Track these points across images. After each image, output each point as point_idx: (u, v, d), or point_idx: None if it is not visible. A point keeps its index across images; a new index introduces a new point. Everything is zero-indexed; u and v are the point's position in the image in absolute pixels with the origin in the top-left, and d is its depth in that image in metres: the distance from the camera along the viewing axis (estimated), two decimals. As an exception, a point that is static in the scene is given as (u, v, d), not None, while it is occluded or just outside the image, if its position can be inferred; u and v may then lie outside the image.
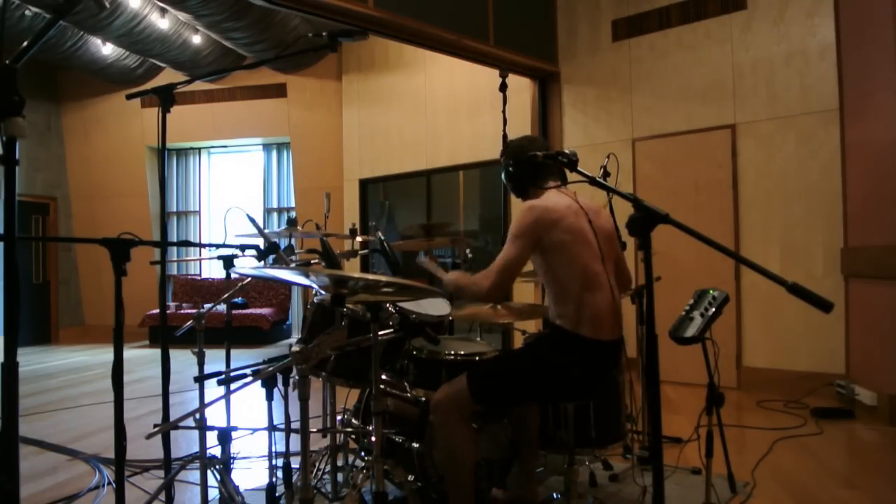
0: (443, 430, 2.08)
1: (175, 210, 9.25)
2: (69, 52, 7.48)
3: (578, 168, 1.63)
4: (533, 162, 2.17)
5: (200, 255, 7.47)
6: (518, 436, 2.41)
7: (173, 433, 2.95)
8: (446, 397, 2.08)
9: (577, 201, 2.18)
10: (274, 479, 2.40)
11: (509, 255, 2.05)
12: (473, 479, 2.11)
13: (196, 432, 2.50)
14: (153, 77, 8.54)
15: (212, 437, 2.39)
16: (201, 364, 2.39)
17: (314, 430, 2.46)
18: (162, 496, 2.31)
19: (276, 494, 2.37)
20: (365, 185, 7.98)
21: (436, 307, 2.54)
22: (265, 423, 2.37)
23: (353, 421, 2.56)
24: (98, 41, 7.49)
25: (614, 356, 2.17)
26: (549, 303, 2.15)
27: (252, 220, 2.32)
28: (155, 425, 1.63)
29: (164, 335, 2.24)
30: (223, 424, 2.44)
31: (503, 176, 2.34)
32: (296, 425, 1.82)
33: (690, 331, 2.28)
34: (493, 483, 2.39)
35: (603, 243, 2.13)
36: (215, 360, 2.45)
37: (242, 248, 2.40)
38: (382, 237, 2.45)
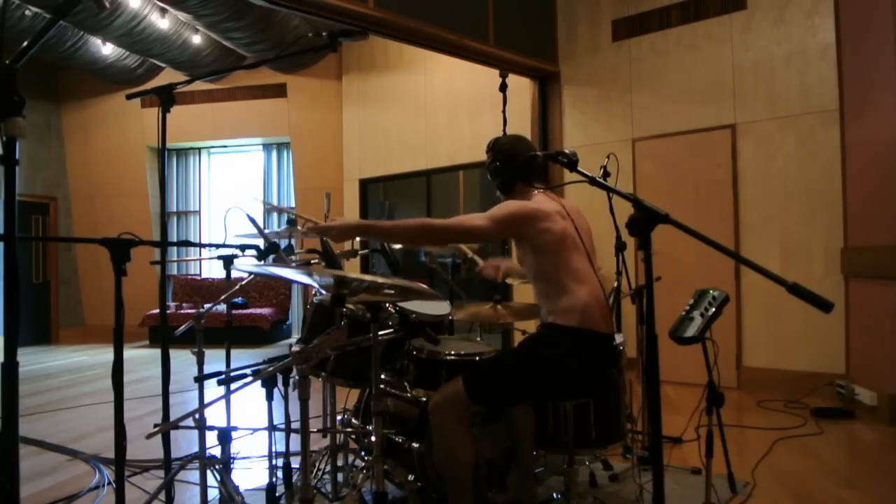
0: (441, 432, 2.08)
1: (175, 210, 9.25)
2: (69, 52, 7.47)
3: (578, 168, 1.63)
4: (529, 161, 2.21)
5: (200, 255, 7.48)
6: (514, 437, 2.42)
7: (173, 433, 2.95)
8: (444, 398, 2.08)
9: (563, 205, 2.24)
10: (274, 479, 2.40)
11: (479, 225, 2.07)
12: (473, 480, 2.11)
13: (196, 432, 2.50)
14: (153, 77, 8.53)
15: (212, 437, 2.39)
16: (201, 364, 2.39)
17: (314, 430, 2.47)
18: (162, 496, 2.31)
19: (276, 494, 2.37)
20: (365, 185, 7.98)
21: (436, 307, 2.54)
22: (265, 423, 2.37)
23: (353, 421, 2.56)
24: (98, 41, 7.49)
25: (610, 351, 2.19)
26: (541, 303, 2.20)
27: (252, 220, 2.32)
28: (155, 425, 1.63)
29: (164, 335, 2.24)
30: (223, 424, 2.44)
31: (490, 171, 2.33)
32: (296, 425, 1.82)
33: (690, 331, 2.28)
34: (493, 484, 2.39)
35: (587, 242, 2.21)
36: (215, 360, 2.45)
37: (242, 247, 2.40)
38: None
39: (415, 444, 2.28)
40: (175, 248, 6.66)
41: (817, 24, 4.64)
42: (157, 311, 7.59)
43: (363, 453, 2.55)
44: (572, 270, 2.12)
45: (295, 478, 2.39)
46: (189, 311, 8.08)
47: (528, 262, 2.20)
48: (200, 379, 2.21)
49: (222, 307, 2.57)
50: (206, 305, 2.56)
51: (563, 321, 2.09)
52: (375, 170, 7.82)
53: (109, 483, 2.92)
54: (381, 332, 1.88)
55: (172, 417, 1.99)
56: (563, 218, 2.17)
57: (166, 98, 2.19)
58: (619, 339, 2.56)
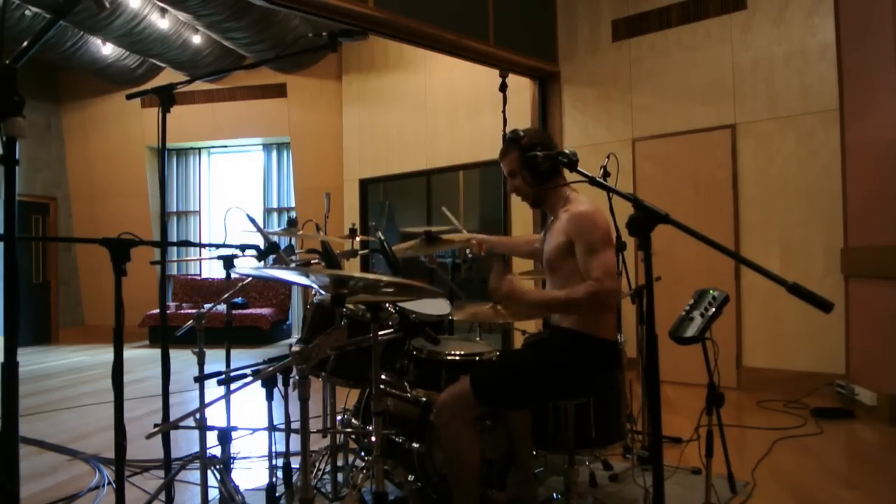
0: (448, 432, 2.08)
1: (175, 210, 9.25)
2: (69, 52, 7.47)
3: (578, 168, 1.63)
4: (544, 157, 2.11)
5: (200, 255, 7.48)
6: (512, 438, 2.42)
7: (173, 433, 2.95)
8: (451, 399, 2.07)
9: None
10: (274, 479, 2.40)
11: (610, 260, 2.02)
12: (478, 480, 2.11)
13: (196, 432, 2.50)
14: (153, 77, 8.54)
15: (212, 437, 2.39)
16: (201, 364, 2.39)
17: (314, 430, 2.47)
18: (162, 496, 2.31)
19: (276, 494, 2.37)
20: (365, 185, 7.98)
21: (436, 307, 2.53)
22: (265, 423, 2.37)
23: (353, 421, 2.56)
24: (98, 41, 7.49)
25: (616, 356, 2.22)
26: None
27: (252, 220, 2.32)
28: (155, 425, 1.63)
29: (164, 335, 2.24)
30: (223, 424, 2.44)
31: (524, 160, 2.17)
32: (296, 425, 1.82)
33: (690, 331, 2.28)
34: (493, 484, 2.39)
35: None
36: (215, 360, 2.45)
37: (242, 247, 2.40)
38: (382, 237, 2.45)
39: (415, 444, 2.28)
40: (175, 248, 6.66)
41: (817, 24, 4.64)
42: (157, 311, 7.59)
43: (363, 453, 2.55)
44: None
45: (295, 478, 2.39)
46: (189, 311, 8.08)
47: (567, 263, 2.12)
48: (201, 379, 2.21)
49: (222, 307, 2.57)
50: (207, 305, 2.56)
51: (577, 327, 2.10)
52: (375, 170, 7.82)
53: (109, 483, 2.92)
54: (381, 332, 1.88)
55: (172, 417, 1.99)
56: None
57: (166, 98, 2.18)
58: (619, 339, 2.57)
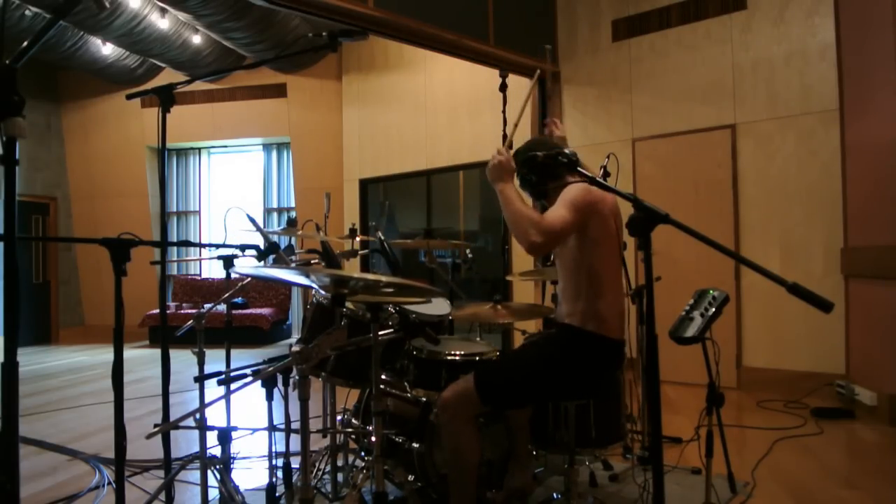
0: (449, 430, 2.07)
1: (175, 210, 9.25)
2: (69, 52, 7.47)
3: (578, 168, 1.64)
4: (546, 160, 2.13)
5: (200, 255, 7.48)
6: (511, 428, 2.42)
7: (173, 433, 2.95)
8: (453, 397, 2.07)
9: (614, 200, 2.16)
10: (274, 479, 2.40)
11: (566, 220, 1.93)
12: (476, 479, 2.11)
13: (196, 432, 2.50)
14: (153, 77, 8.54)
15: (212, 437, 2.39)
16: (201, 364, 2.39)
17: (314, 430, 2.47)
18: (162, 496, 2.31)
19: (276, 494, 2.37)
20: (365, 185, 7.98)
21: (436, 307, 2.53)
22: (265, 423, 2.37)
23: (353, 421, 2.56)
24: (98, 41, 7.49)
25: (621, 357, 2.21)
26: (567, 298, 2.13)
27: (252, 220, 2.32)
28: (155, 425, 1.63)
29: (164, 335, 2.23)
30: (223, 424, 2.44)
31: (519, 184, 2.24)
32: (296, 425, 1.82)
33: (690, 331, 2.28)
34: (492, 484, 2.39)
35: (620, 242, 2.16)
36: (215, 360, 2.45)
37: (242, 247, 2.40)
38: (382, 237, 2.45)
39: (415, 444, 2.28)
40: (175, 248, 6.66)
41: (817, 24, 4.64)
42: (157, 311, 7.59)
43: (363, 453, 2.55)
44: (613, 271, 2.11)
45: (295, 478, 2.39)
46: (189, 311, 8.08)
47: (569, 253, 2.10)
48: (201, 379, 2.21)
49: (222, 307, 2.57)
50: (207, 305, 2.56)
51: (583, 325, 2.07)
52: (375, 170, 7.82)
53: (109, 483, 2.92)
54: (381, 332, 1.88)
55: (172, 417, 1.99)
56: (613, 212, 2.12)
57: (166, 98, 2.18)
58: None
